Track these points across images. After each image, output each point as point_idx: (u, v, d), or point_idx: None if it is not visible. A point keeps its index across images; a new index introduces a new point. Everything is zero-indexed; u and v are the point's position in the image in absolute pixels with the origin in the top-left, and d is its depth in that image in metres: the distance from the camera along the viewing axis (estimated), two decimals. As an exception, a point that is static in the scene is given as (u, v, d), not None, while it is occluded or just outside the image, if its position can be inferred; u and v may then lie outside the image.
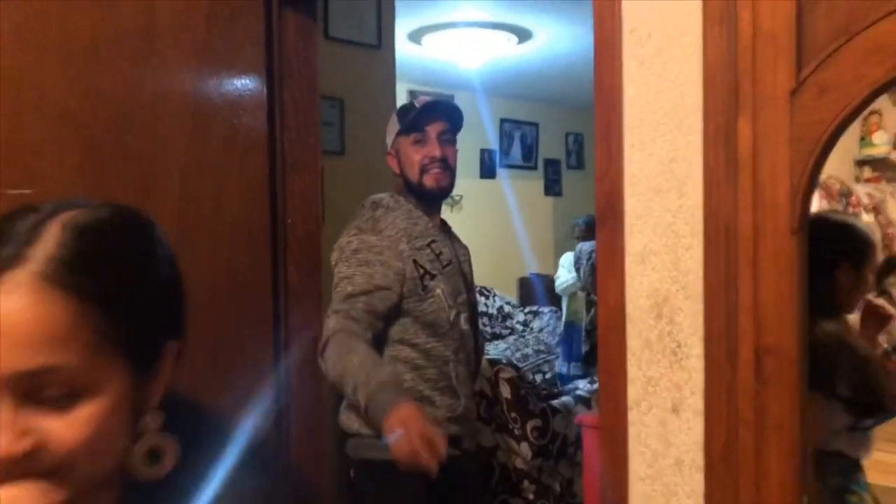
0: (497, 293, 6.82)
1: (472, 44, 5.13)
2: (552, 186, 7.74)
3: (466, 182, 6.51)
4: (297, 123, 2.06)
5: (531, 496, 3.34)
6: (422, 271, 1.96)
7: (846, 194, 3.05)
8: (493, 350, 5.96)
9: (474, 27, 4.83)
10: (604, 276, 1.33)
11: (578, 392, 4.00)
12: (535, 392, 3.47)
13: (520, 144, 7.34)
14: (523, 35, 5.01)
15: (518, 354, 6.09)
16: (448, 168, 2.06)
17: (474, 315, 2.10)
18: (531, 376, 5.44)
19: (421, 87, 6.28)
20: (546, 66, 5.85)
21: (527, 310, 6.95)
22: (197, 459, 1.90)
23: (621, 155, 1.30)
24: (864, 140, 4.03)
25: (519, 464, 3.37)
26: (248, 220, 1.97)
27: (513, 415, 3.33)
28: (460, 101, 6.53)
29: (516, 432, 3.35)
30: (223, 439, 1.91)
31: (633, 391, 1.31)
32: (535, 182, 7.57)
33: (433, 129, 2.05)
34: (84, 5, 1.62)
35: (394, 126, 2.14)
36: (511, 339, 6.53)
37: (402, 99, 5.83)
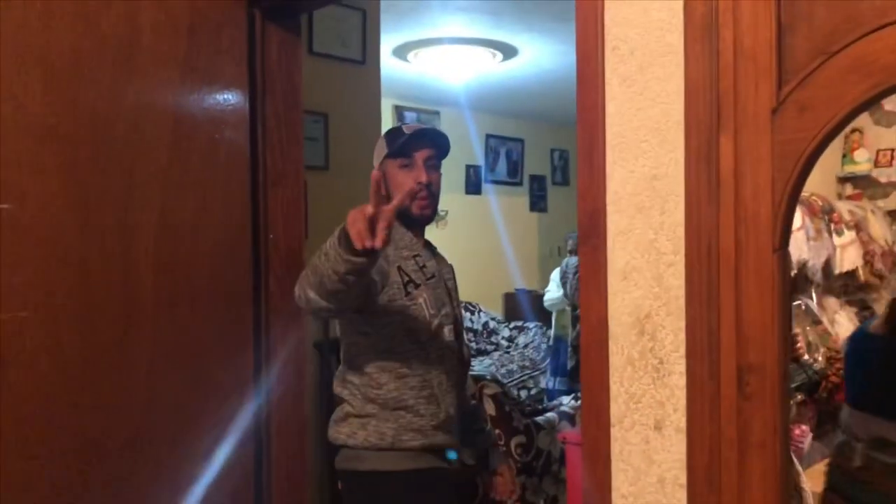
0: (482, 308, 6.81)
1: (458, 60, 5.15)
2: (537, 202, 7.76)
3: (452, 197, 6.51)
4: (280, 138, 2.06)
5: (515, 513, 3.32)
6: (406, 278, 1.96)
7: (828, 211, 3.07)
8: (478, 366, 5.95)
9: (459, 43, 4.85)
10: (586, 292, 1.33)
11: (563, 408, 3.99)
12: (519, 408, 3.45)
13: (505, 160, 7.36)
14: (508, 52, 5.03)
15: (503, 370, 6.07)
16: (432, 195, 2.06)
17: (459, 328, 2.10)
18: (516, 392, 5.43)
19: (406, 103, 6.29)
20: (531, 83, 5.88)
21: (512, 325, 6.94)
22: (178, 471, 1.87)
23: (604, 172, 1.30)
24: (846, 157, 4.06)
25: (503, 480, 3.35)
26: (230, 235, 1.96)
27: (497, 431, 3.32)
28: (446, 117, 6.56)
29: (500, 449, 3.33)
30: (205, 451, 1.89)
31: (616, 408, 1.30)
32: (521, 198, 7.59)
33: (420, 156, 2.05)
34: (66, 19, 1.61)
35: (382, 149, 2.13)
36: (496, 354, 6.51)
37: (387, 114, 5.84)
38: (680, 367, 1.22)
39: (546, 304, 6.20)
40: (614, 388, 1.30)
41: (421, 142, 2.05)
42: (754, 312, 1.13)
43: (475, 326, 6.68)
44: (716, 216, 1.17)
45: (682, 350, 1.22)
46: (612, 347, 1.30)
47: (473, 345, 6.50)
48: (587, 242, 1.32)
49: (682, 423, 1.22)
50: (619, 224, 1.29)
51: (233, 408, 1.92)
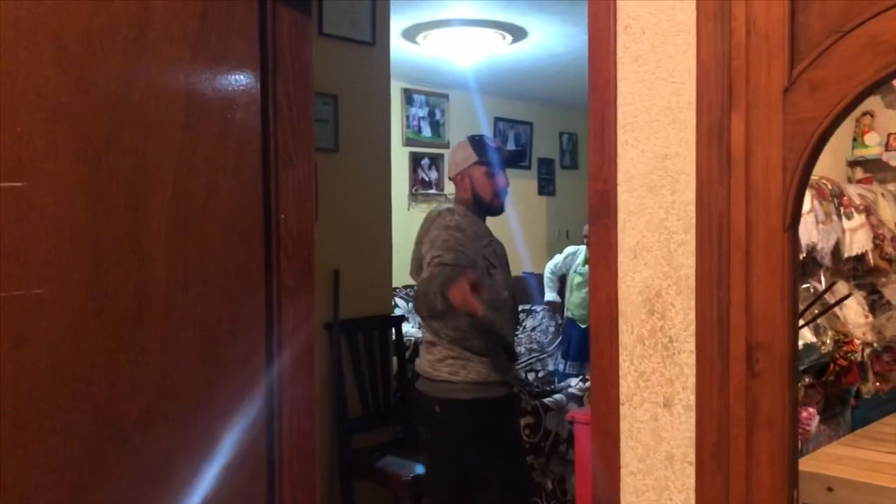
0: (489, 292, 6.78)
1: (467, 42, 5.13)
2: (546, 186, 7.74)
3: (460, 181, 6.49)
4: (291, 118, 2.06)
5: (523, 494, 3.34)
6: (488, 263, 2.70)
7: (838, 195, 3.06)
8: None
9: (469, 25, 4.83)
10: (597, 271, 1.33)
11: (571, 390, 4.01)
12: (527, 389, 3.47)
13: (514, 143, 7.34)
14: (518, 34, 5.01)
15: (511, 353, 6.07)
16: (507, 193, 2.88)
17: (512, 291, 2.88)
18: (524, 375, 5.44)
19: (415, 86, 6.28)
20: (540, 65, 5.86)
21: (520, 308, 6.94)
22: (192, 448, 1.89)
23: (615, 151, 1.30)
24: (857, 141, 4.04)
25: (511, 461, 3.37)
26: (242, 216, 1.96)
27: (505, 412, 3.33)
28: (454, 100, 6.55)
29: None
30: (217, 434, 1.91)
31: (625, 386, 1.31)
32: (529, 181, 7.58)
33: (505, 165, 2.85)
34: (78, -2, 1.62)
35: (470, 155, 2.82)
36: (504, 337, 6.51)
37: (395, 97, 5.83)
38: (689, 345, 1.23)
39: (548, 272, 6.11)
40: (624, 366, 1.31)
41: (513, 158, 2.95)
42: (764, 291, 1.14)
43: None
44: (726, 195, 1.17)
45: (692, 329, 1.22)
46: (622, 326, 1.31)
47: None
48: (598, 222, 1.32)
49: (691, 401, 1.23)
50: (630, 203, 1.29)
51: (244, 386, 1.94)
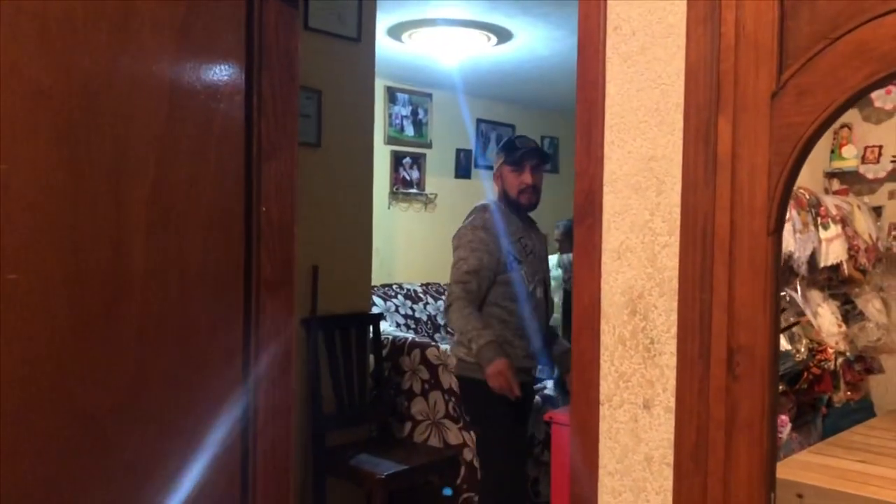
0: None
1: (452, 42, 5.13)
2: (526, 189, 7.75)
3: (441, 181, 6.50)
4: (276, 111, 2.04)
5: (496, 495, 3.34)
6: (513, 258, 2.96)
7: (815, 205, 3.09)
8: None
9: (455, 25, 4.82)
10: (580, 271, 1.33)
11: (546, 392, 4.02)
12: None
13: (496, 145, 7.35)
14: (503, 35, 5.01)
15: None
16: (536, 191, 3.09)
17: (547, 287, 3.17)
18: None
19: (398, 84, 6.27)
20: (524, 68, 5.87)
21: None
22: (167, 443, 1.87)
23: (601, 152, 1.30)
24: (834, 153, 4.09)
25: (485, 462, 3.37)
26: (223, 208, 1.94)
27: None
28: (437, 100, 6.53)
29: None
30: (192, 431, 1.89)
31: (606, 386, 1.31)
32: (509, 184, 7.58)
33: (528, 163, 3.05)
34: (62, -19, 1.59)
35: (501, 155, 3.16)
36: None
37: (378, 95, 5.81)
38: (671, 347, 1.23)
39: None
40: (605, 366, 1.31)
41: (530, 154, 3.05)
42: (747, 294, 1.14)
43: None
44: (712, 198, 1.18)
45: (674, 330, 1.23)
46: (604, 326, 1.31)
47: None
48: (583, 222, 1.32)
49: (671, 403, 1.23)
50: (615, 204, 1.29)
51: (222, 383, 1.92)
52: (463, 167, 6.93)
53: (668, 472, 1.23)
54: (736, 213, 1.15)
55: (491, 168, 7.80)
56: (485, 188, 6.96)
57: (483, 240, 2.96)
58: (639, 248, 1.27)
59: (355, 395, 3.56)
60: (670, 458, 1.23)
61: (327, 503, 3.39)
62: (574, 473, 1.36)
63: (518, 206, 3.09)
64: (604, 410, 1.32)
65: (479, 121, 7.15)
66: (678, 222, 1.22)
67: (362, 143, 3.73)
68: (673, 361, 1.23)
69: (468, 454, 3.38)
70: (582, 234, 1.33)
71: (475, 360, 2.87)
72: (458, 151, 6.85)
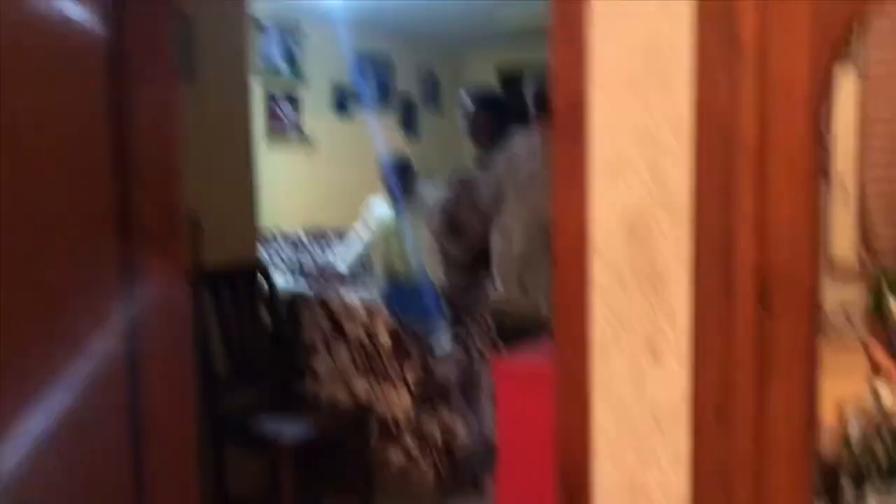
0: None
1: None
2: (409, 127, 7.42)
3: (319, 121, 6.11)
4: (144, 24, 1.66)
5: (413, 450, 3.13)
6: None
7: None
8: (367, 294, 5.56)
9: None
10: (562, 194, 1.08)
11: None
12: (415, 337, 3.23)
13: (375, 82, 6.96)
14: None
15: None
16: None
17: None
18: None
19: (267, 15, 5.76)
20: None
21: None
22: (30, 415, 1.52)
23: (586, 43, 1.04)
24: None
25: (398, 413, 3.15)
26: (84, 144, 1.57)
27: (393, 363, 3.10)
28: (312, 33, 6.07)
29: (395, 380, 3.12)
30: (56, 396, 1.54)
31: (599, 333, 1.08)
32: (392, 122, 7.23)
33: None
34: None
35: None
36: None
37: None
38: (684, 279, 1.00)
39: None
40: (597, 308, 1.07)
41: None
42: (784, 210, 0.92)
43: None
44: (734, 93, 0.94)
45: (687, 260, 1.00)
46: (596, 261, 1.07)
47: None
48: (564, 132, 1.06)
49: (686, 349, 1.01)
50: (605, 108, 1.04)
51: (98, 353, 1.57)
52: (342, 105, 6.52)
53: (684, 435, 1.02)
54: (767, 109, 0.92)
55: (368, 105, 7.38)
56: (365, 128, 6.62)
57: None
58: (638, 162, 1.02)
59: (250, 354, 3.23)
60: (686, 417, 1.01)
61: (227, 475, 3.08)
62: (561, 440, 1.12)
63: None
64: (597, 362, 1.08)
65: (355, 54, 6.73)
66: (689, 127, 0.98)
67: (237, 78, 3.33)
68: (686, 297, 1.00)
69: (379, 408, 3.14)
70: (564, 149, 1.07)
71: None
72: (335, 88, 6.43)
